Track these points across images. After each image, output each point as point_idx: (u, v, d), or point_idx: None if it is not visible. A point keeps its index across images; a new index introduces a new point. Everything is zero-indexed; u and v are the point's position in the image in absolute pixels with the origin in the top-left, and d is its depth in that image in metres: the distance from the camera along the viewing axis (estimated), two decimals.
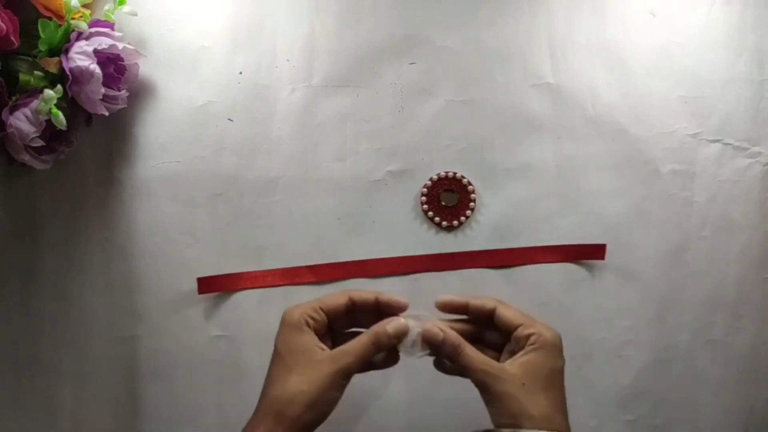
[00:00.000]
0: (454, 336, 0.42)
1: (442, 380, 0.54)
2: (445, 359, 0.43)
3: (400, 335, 0.41)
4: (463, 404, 0.53)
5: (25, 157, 0.46)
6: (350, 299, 0.43)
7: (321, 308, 0.42)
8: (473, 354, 0.41)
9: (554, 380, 0.41)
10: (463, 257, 0.53)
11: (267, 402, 0.39)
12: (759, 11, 0.54)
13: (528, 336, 0.41)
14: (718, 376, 0.55)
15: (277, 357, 0.41)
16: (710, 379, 0.55)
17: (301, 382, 0.38)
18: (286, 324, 0.41)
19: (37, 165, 0.47)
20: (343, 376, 0.39)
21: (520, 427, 0.38)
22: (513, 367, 0.41)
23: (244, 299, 0.52)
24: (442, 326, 0.42)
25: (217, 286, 0.52)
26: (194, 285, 0.51)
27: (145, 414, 0.52)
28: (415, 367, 0.53)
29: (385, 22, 0.53)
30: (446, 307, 0.45)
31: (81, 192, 0.51)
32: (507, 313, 0.42)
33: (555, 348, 0.42)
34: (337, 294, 0.43)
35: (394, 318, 0.42)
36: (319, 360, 0.39)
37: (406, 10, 0.53)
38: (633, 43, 0.53)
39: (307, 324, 0.41)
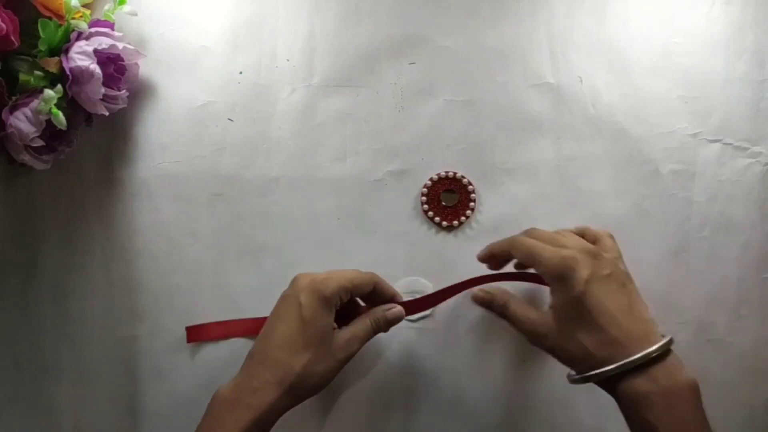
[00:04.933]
0: (500, 296, 0.47)
1: (441, 376, 0.54)
2: (498, 315, 0.48)
3: (398, 321, 0.47)
4: (461, 401, 0.53)
5: (25, 157, 0.46)
6: (374, 289, 0.45)
7: (351, 291, 0.43)
8: (517, 310, 0.45)
9: (581, 311, 0.39)
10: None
11: (277, 366, 0.41)
12: (759, 11, 0.54)
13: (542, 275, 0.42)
14: (718, 376, 0.55)
15: (298, 324, 0.42)
16: (710, 379, 0.55)
17: (316, 364, 0.42)
18: (319, 296, 0.42)
19: (37, 165, 0.47)
20: (349, 360, 0.44)
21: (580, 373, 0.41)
22: (548, 315, 0.42)
23: None
24: (489, 289, 0.49)
25: (206, 334, 0.51)
26: (194, 285, 0.51)
27: (145, 414, 0.52)
28: (414, 363, 0.53)
29: (385, 22, 0.53)
30: (489, 259, 0.48)
31: (81, 192, 0.51)
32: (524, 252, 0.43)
33: (559, 279, 0.40)
34: (366, 278, 0.45)
35: (393, 306, 0.46)
36: (335, 347, 0.43)
37: (406, 10, 0.53)
38: (633, 43, 0.53)
39: (336, 303, 0.43)
